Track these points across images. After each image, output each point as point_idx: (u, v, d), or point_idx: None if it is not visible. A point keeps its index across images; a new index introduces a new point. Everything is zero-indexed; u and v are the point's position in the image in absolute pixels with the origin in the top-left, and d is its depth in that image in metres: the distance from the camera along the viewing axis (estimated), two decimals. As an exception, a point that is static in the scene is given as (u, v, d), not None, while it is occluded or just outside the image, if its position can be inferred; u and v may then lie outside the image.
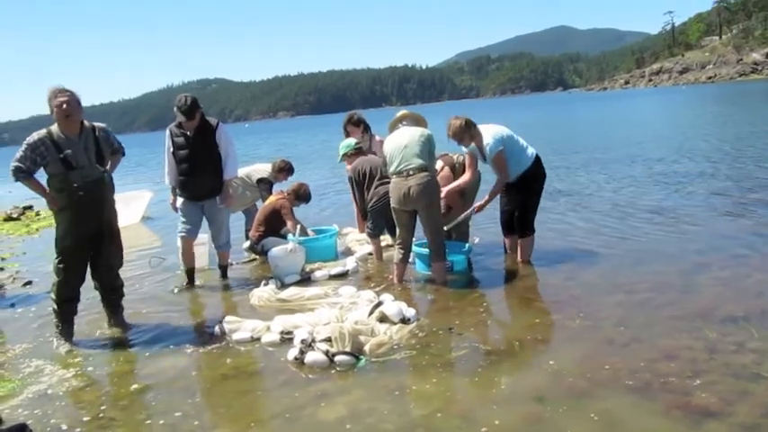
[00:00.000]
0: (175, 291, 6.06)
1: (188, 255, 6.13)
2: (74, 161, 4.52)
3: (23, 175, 4.55)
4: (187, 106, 5.61)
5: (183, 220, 6.02)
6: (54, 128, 4.53)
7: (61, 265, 4.68)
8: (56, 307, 4.79)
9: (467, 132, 5.62)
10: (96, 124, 4.77)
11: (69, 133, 4.54)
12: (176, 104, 5.65)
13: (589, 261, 5.85)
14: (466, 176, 5.88)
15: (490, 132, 5.68)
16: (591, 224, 7.41)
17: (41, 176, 4.67)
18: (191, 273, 6.15)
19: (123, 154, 5.14)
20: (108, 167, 4.84)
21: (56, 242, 4.71)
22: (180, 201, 5.99)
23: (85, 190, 4.54)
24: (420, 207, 5.36)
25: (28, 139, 4.54)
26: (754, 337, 3.78)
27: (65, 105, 4.44)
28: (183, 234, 6.03)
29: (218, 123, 5.88)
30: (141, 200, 11.21)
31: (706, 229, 6.67)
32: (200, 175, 5.78)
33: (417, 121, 5.83)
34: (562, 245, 6.49)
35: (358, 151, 6.64)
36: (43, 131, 4.53)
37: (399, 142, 5.51)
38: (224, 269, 6.38)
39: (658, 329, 4.06)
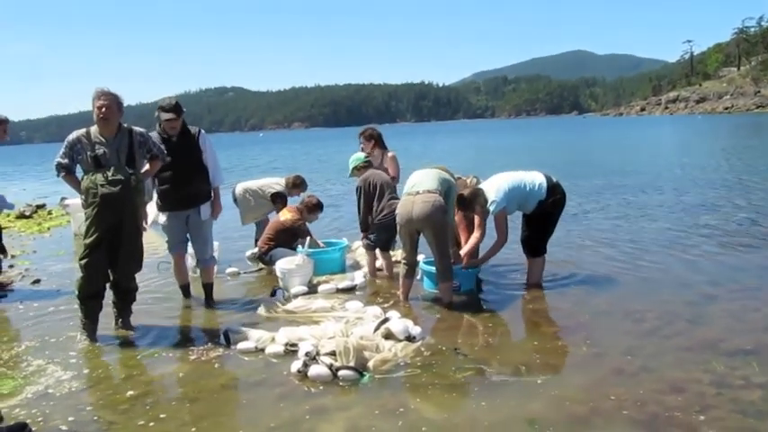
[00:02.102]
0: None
1: (181, 271, 5.90)
2: (104, 160, 4.70)
3: (64, 171, 4.85)
4: (173, 104, 5.43)
5: (169, 236, 5.74)
6: (93, 128, 4.78)
7: (83, 261, 4.78)
8: (79, 302, 4.91)
9: (476, 202, 5.66)
10: (135, 128, 4.95)
11: (106, 134, 4.75)
12: (161, 105, 5.45)
13: (599, 287, 5.81)
14: (476, 235, 5.79)
15: (493, 189, 5.68)
16: (603, 250, 7.36)
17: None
18: (185, 288, 5.96)
19: (163, 160, 5.20)
20: (143, 171, 5.00)
21: (83, 238, 4.83)
22: (163, 217, 5.69)
23: (109, 189, 4.65)
24: (424, 227, 5.37)
25: (68, 136, 4.83)
26: (762, 373, 3.72)
27: (103, 109, 4.69)
28: (175, 251, 5.77)
29: (199, 130, 5.67)
30: (151, 205, 11.23)
31: (717, 260, 6.61)
32: (186, 183, 5.48)
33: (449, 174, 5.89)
34: (573, 270, 6.44)
35: (368, 165, 6.66)
36: (83, 130, 4.81)
37: (421, 172, 5.70)
38: (209, 288, 5.87)
39: (666, 360, 4.01)
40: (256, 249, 7.39)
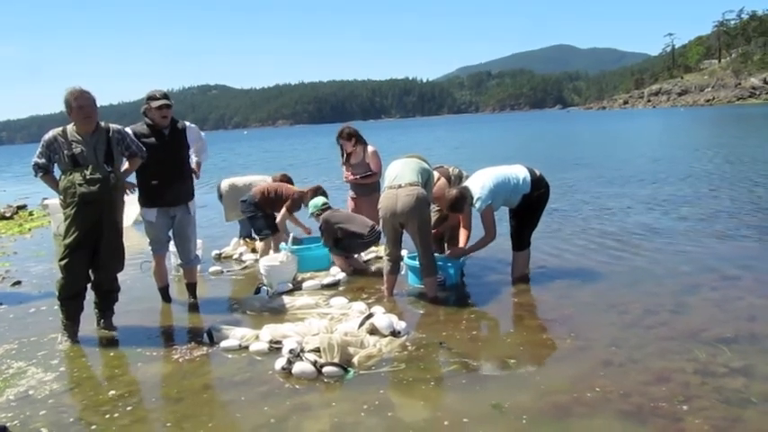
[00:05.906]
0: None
1: (162, 273, 5.74)
2: (81, 159, 4.63)
3: (41, 171, 4.76)
4: (164, 93, 5.30)
5: (153, 236, 5.52)
6: (70, 126, 4.72)
7: (63, 262, 4.71)
8: (59, 303, 4.84)
9: (464, 202, 5.65)
10: (112, 126, 4.89)
11: (83, 132, 4.69)
12: (150, 95, 5.29)
13: (583, 280, 5.82)
14: (466, 232, 5.89)
15: (477, 186, 5.66)
16: (586, 243, 7.39)
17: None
18: (165, 291, 5.81)
19: (143, 158, 5.10)
20: (122, 169, 4.95)
21: (63, 239, 4.75)
22: (150, 214, 5.43)
23: (88, 188, 4.57)
24: (408, 221, 5.34)
25: (45, 136, 4.76)
26: (744, 360, 3.75)
27: (86, 108, 4.64)
28: (158, 252, 5.60)
29: (185, 124, 5.53)
30: (132, 204, 11.15)
31: (698, 251, 6.66)
32: (178, 178, 5.39)
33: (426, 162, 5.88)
34: (557, 263, 6.47)
35: (325, 209, 6.72)
36: (59, 129, 4.73)
37: (399, 163, 5.67)
38: (193, 288, 5.77)
39: (650, 350, 4.03)
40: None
